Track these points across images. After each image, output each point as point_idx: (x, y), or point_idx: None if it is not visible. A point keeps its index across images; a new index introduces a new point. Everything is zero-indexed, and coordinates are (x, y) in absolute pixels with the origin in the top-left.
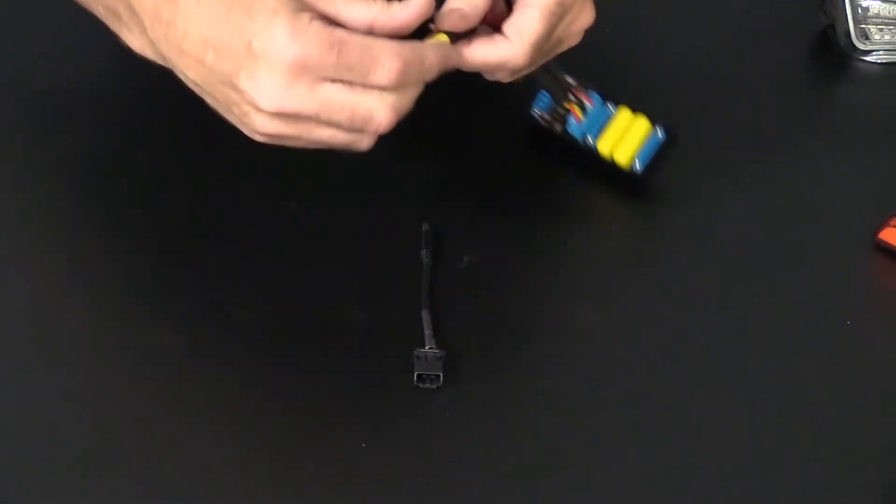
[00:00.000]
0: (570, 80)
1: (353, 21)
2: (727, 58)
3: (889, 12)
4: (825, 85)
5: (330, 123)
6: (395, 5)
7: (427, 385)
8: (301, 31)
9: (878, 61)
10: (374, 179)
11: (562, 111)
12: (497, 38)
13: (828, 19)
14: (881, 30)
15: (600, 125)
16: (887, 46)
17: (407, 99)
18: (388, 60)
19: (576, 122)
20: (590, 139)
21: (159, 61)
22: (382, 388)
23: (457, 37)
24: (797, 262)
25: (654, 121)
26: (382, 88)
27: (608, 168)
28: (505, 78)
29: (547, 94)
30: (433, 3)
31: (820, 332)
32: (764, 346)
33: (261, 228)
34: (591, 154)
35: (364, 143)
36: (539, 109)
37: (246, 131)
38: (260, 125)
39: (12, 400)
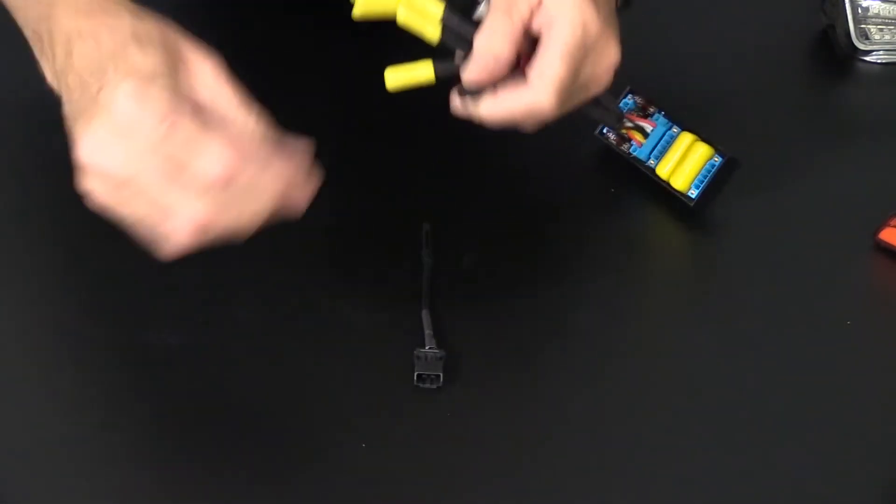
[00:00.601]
0: (621, 109)
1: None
2: (727, 58)
3: (889, 12)
4: (825, 85)
5: (136, 203)
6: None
7: (427, 385)
8: (144, 94)
9: (878, 61)
10: (378, 180)
11: (621, 135)
12: (522, 84)
13: (828, 19)
14: (881, 30)
15: (663, 148)
16: (887, 46)
17: (229, 213)
18: (217, 149)
19: (637, 145)
20: (652, 162)
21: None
22: (382, 388)
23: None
24: (797, 262)
25: (715, 146)
26: (198, 187)
27: (668, 191)
28: (534, 127)
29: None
30: None
31: (820, 332)
32: (764, 345)
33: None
34: (652, 175)
35: (160, 246)
36: (606, 129)
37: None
38: (78, 177)
39: (12, 400)
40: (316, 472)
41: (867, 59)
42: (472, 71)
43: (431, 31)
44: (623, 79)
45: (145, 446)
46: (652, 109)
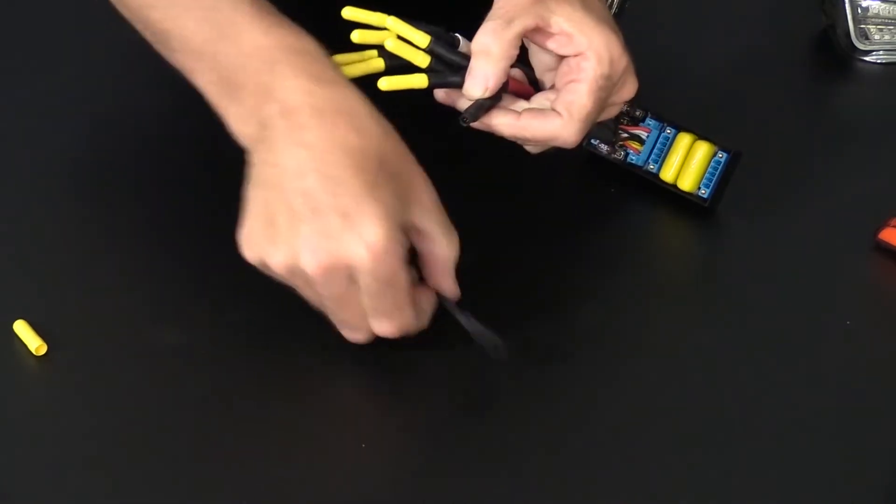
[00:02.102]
0: (613, 119)
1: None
2: (727, 58)
3: (889, 12)
4: (825, 85)
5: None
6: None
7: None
8: (384, 251)
9: (878, 61)
10: None
11: (618, 147)
12: (549, 113)
13: (828, 19)
14: (881, 30)
15: (661, 152)
16: (887, 46)
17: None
18: (399, 318)
19: (635, 153)
20: (652, 166)
21: (248, 140)
22: (382, 389)
23: (486, 106)
24: (797, 262)
25: (716, 143)
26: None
27: (669, 192)
28: (539, 149)
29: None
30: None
31: (820, 332)
32: (764, 345)
33: None
34: (654, 179)
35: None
36: (595, 140)
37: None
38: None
39: (12, 399)
40: (316, 472)
41: (867, 59)
42: (476, 87)
43: (420, 59)
44: None
45: (145, 446)
46: (640, 113)
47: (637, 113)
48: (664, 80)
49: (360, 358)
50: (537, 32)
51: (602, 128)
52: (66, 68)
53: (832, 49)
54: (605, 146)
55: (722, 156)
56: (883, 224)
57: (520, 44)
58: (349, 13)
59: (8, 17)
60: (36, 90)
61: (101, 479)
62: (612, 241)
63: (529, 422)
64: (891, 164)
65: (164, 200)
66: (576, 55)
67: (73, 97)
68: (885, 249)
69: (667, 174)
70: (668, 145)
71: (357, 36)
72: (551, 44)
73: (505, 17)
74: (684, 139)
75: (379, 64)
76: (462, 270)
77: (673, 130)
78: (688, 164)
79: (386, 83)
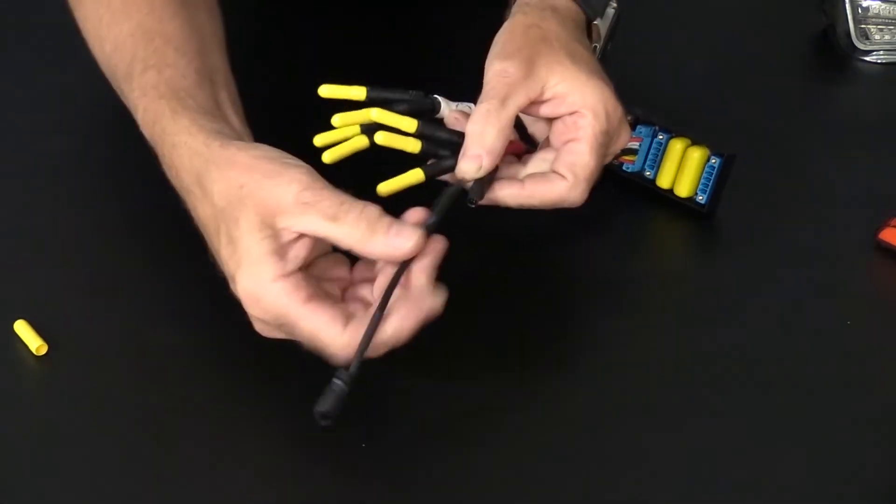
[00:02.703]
0: None
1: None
2: (727, 57)
3: (889, 12)
4: (825, 85)
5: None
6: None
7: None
8: (245, 297)
9: (878, 61)
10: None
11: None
12: (552, 177)
13: (828, 19)
14: (881, 30)
15: (655, 158)
16: (887, 46)
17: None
18: (334, 356)
19: (630, 164)
20: (648, 173)
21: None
22: (382, 388)
23: (488, 180)
24: (797, 262)
25: (710, 147)
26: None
27: (667, 198)
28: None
29: None
30: (421, 240)
31: (820, 332)
32: (764, 345)
33: None
34: (652, 186)
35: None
36: None
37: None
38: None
39: (12, 399)
40: (316, 471)
41: (867, 59)
42: (471, 167)
43: (412, 145)
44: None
45: (145, 446)
46: (630, 118)
47: (628, 118)
48: (662, 81)
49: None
50: (532, 105)
51: None
52: (67, 68)
53: (832, 49)
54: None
55: (715, 161)
56: (883, 224)
57: (514, 120)
58: (326, 91)
59: (8, 17)
60: (36, 90)
61: (101, 479)
62: (611, 249)
63: (529, 432)
64: (891, 164)
65: (164, 200)
66: (571, 113)
67: (74, 97)
68: (885, 249)
69: (663, 181)
70: (662, 151)
71: (338, 120)
72: (545, 109)
73: (498, 97)
74: (677, 145)
75: (363, 141)
76: (459, 279)
77: (665, 136)
78: (683, 170)
79: (385, 187)
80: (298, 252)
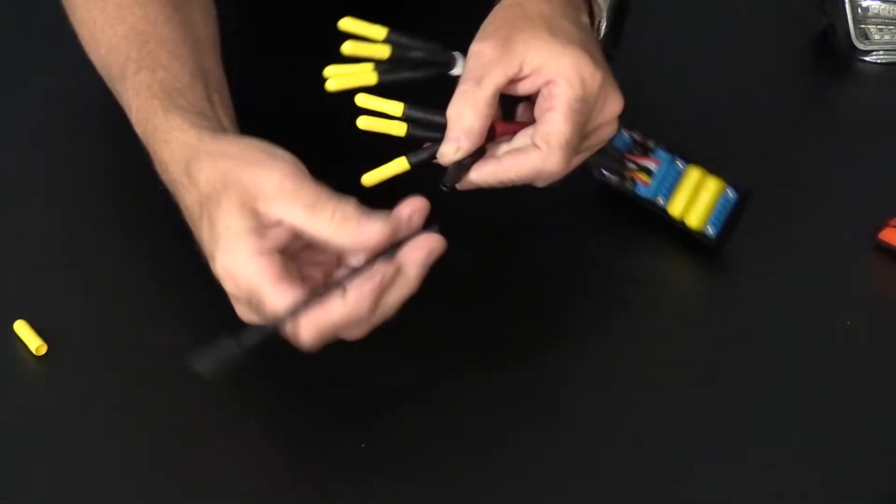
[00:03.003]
0: (620, 150)
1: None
2: (726, 57)
3: (889, 12)
4: (825, 85)
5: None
6: (358, 228)
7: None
8: (222, 275)
9: (878, 61)
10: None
11: (625, 179)
12: (528, 148)
13: (828, 19)
14: (881, 30)
15: (670, 185)
16: (887, 46)
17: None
18: (298, 336)
19: (643, 186)
20: (661, 200)
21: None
22: (382, 388)
23: (472, 158)
24: (797, 262)
25: (726, 179)
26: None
27: (680, 228)
28: (544, 183)
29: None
30: (392, 228)
31: (820, 332)
32: (763, 345)
33: None
34: (663, 214)
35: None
36: (605, 170)
37: None
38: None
39: (12, 399)
40: (316, 472)
41: (867, 59)
42: (449, 149)
43: (397, 128)
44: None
45: (145, 446)
46: (651, 144)
47: (649, 143)
48: (661, 81)
49: (360, 358)
50: (512, 83)
51: (606, 157)
52: (67, 68)
53: (832, 49)
54: (615, 176)
55: (732, 194)
56: (883, 224)
57: (496, 101)
58: (347, 24)
59: (8, 16)
60: (36, 90)
61: (101, 479)
62: (616, 277)
63: (530, 432)
64: (891, 164)
65: (164, 201)
66: (547, 83)
67: (73, 98)
68: (885, 249)
69: (674, 209)
70: (678, 179)
71: (348, 47)
72: (526, 85)
73: (473, 78)
74: (693, 173)
75: (371, 78)
76: (460, 283)
77: (683, 163)
78: (695, 199)
79: (370, 178)
80: (278, 234)
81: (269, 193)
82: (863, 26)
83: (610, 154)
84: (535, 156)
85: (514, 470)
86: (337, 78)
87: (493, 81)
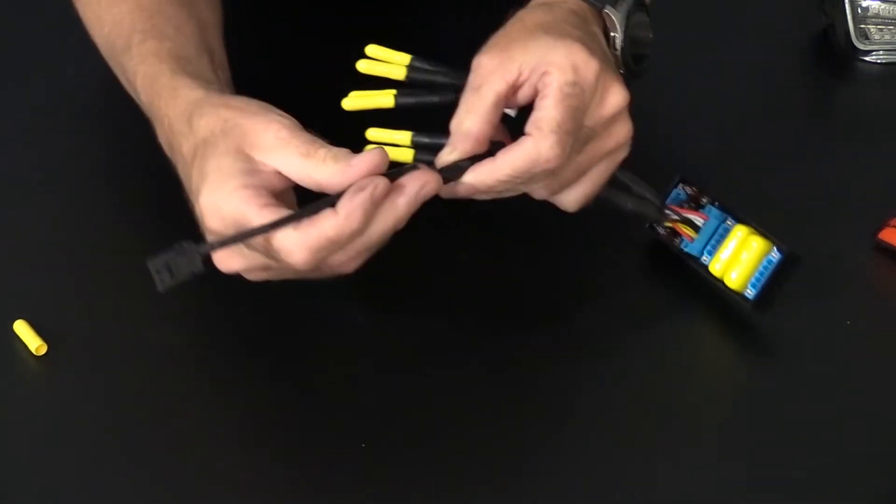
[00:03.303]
0: (657, 197)
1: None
2: (726, 57)
3: (889, 12)
4: (825, 85)
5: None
6: (346, 162)
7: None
8: (219, 206)
9: (878, 61)
10: None
11: (666, 231)
12: (520, 139)
13: (828, 19)
14: (881, 30)
15: (717, 243)
16: (887, 46)
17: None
18: (291, 254)
19: (688, 240)
20: (706, 258)
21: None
22: (382, 388)
23: (470, 162)
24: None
25: (773, 241)
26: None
27: (715, 286)
28: (544, 191)
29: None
30: (384, 157)
31: (820, 332)
32: (763, 344)
33: None
34: (705, 273)
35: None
36: (656, 224)
37: None
38: None
39: (12, 399)
40: (316, 472)
41: (867, 59)
42: (445, 151)
43: (405, 155)
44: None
45: (145, 446)
46: (705, 200)
47: (702, 199)
48: (660, 81)
49: (360, 357)
50: (514, 90)
51: (641, 202)
52: (67, 68)
53: (832, 49)
54: (662, 230)
55: (776, 255)
56: (883, 224)
57: (497, 109)
58: (372, 51)
59: (8, 16)
60: (36, 90)
61: (102, 479)
62: (653, 338)
63: (530, 433)
64: (891, 163)
65: (165, 200)
66: (541, 76)
67: (74, 97)
68: (885, 249)
69: (715, 267)
70: (725, 237)
71: (364, 66)
72: (526, 90)
73: (472, 87)
74: (739, 230)
75: (389, 101)
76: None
77: (734, 222)
78: (737, 258)
79: (349, 101)
80: (270, 179)
81: (267, 142)
82: (863, 26)
83: (647, 200)
84: (527, 144)
85: (515, 470)
86: (354, 99)
87: (492, 88)
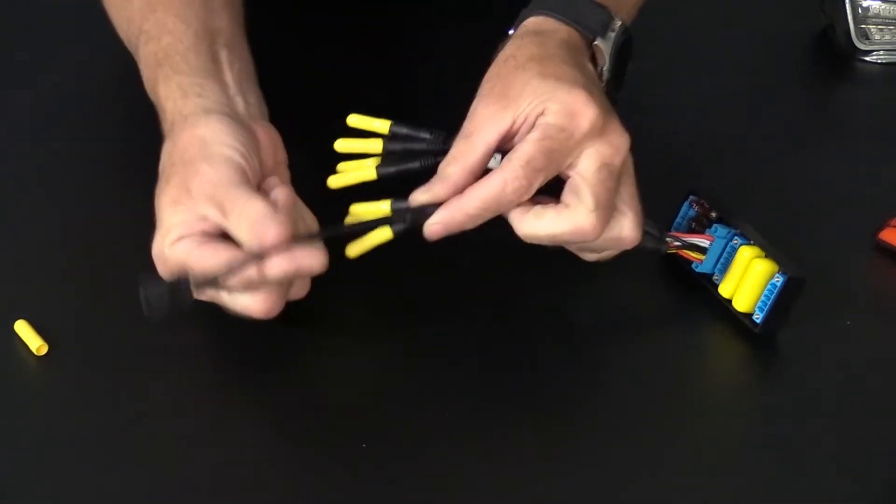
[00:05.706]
0: (660, 227)
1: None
2: (726, 57)
3: (889, 12)
4: (825, 85)
5: None
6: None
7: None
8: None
9: (878, 61)
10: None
11: (667, 256)
12: (490, 173)
13: (828, 19)
14: (881, 30)
15: (726, 262)
16: (887, 46)
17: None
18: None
19: (697, 262)
20: (717, 277)
21: None
22: (382, 388)
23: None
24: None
25: (779, 263)
26: None
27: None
28: (513, 222)
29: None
30: (286, 230)
31: (820, 332)
32: (762, 344)
33: None
34: (716, 293)
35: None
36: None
37: None
38: None
39: (12, 399)
40: (316, 472)
41: (867, 59)
42: (422, 191)
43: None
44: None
45: (145, 446)
46: (714, 215)
47: (711, 214)
48: (659, 81)
49: (361, 357)
50: (509, 138)
51: (643, 235)
52: (67, 68)
53: (832, 49)
54: (654, 254)
55: (779, 279)
56: (883, 224)
57: (485, 158)
58: (354, 121)
59: (10, 16)
60: (36, 90)
61: (102, 479)
62: (655, 340)
63: (530, 433)
64: (891, 164)
65: None
66: (537, 116)
67: (74, 97)
68: (885, 249)
69: (726, 289)
70: (733, 256)
71: (341, 145)
72: (522, 135)
73: (462, 135)
74: (745, 252)
75: (370, 175)
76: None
77: (740, 241)
78: (745, 281)
79: (334, 180)
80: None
81: (196, 192)
82: (863, 26)
83: (647, 231)
84: (495, 175)
85: (515, 470)
86: (338, 178)
87: (483, 139)
